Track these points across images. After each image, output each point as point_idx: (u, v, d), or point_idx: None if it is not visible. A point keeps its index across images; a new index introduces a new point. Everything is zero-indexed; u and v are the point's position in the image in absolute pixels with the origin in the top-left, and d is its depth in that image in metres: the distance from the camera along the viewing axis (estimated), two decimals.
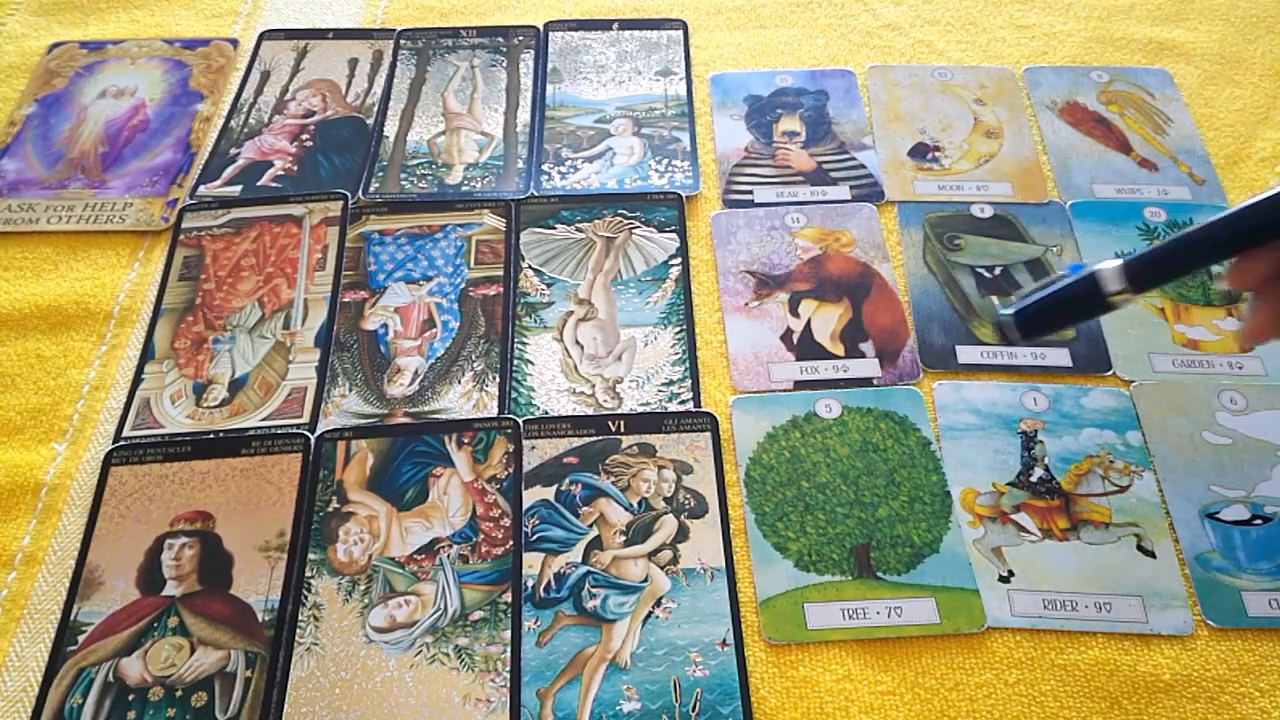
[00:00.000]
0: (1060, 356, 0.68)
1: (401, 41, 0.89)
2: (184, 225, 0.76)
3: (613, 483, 0.62)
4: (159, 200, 0.77)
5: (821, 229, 0.76)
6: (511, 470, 0.63)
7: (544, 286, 0.72)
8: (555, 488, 0.62)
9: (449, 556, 0.59)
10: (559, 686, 0.55)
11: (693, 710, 0.54)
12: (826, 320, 0.71)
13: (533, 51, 0.89)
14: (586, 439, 0.64)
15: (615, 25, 0.91)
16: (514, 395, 0.66)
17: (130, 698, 0.54)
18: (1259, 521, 0.60)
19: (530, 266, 0.73)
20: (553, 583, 0.58)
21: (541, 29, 0.90)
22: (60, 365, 0.69)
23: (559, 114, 0.84)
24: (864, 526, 0.61)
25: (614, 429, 0.64)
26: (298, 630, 0.56)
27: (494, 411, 0.66)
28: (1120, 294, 0.50)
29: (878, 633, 0.57)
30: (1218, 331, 0.69)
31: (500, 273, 0.73)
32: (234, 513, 0.61)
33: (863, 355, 0.69)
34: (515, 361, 0.68)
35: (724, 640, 0.56)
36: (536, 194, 0.77)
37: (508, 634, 0.56)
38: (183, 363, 0.68)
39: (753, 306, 0.71)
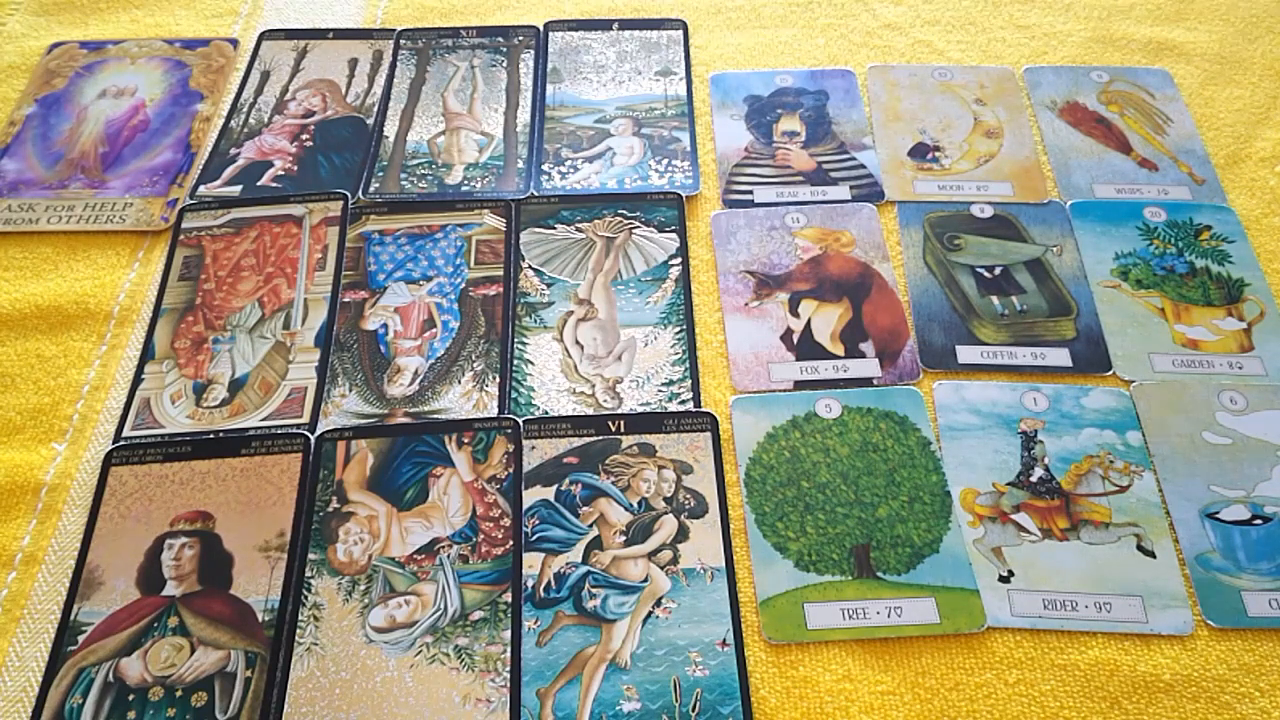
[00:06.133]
0: (1060, 356, 0.68)
1: (401, 41, 0.89)
2: (184, 225, 0.76)
3: (613, 483, 0.62)
4: (159, 200, 0.77)
5: (821, 229, 0.76)
6: (511, 470, 0.63)
7: (544, 286, 0.72)
8: (555, 488, 0.62)
9: (449, 556, 0.59)
10: (559, 686, 0.55)
11: (693, 710, 0.54)
12: (826, 320, 0.71)
13: (533, 51, 0.89)
14: (586, 439, 0.64)
15: (615, 25, 0.91)
16: (514, 395, 0.66)
17: (130, 698, 0.54)
18: (1259, 521, 0.60)
19: (530, 266, 0.73)
20: (553, 583, 0.58)
21: (541, 29, 0.90)
22: (60, 365, 0.69)
23: (559, 114, 0.84)
24: (864, 526, 0.61)
25: (614, 429, 0.64)
26: (298, 630, 0.56)
27: (494, 411, 0.66)
28: None
29: (878, 633, 0.57)
30: (1218, 331, 0.69)
31: (500, 273, 0.73)
32: (234, 513, 0.61)
33: (863, 355, 0.69)
34: (515, 361, 0.68)
35: (724, 640, 0.56)
36: (536, 194, 0.77)
37: (508, 634, 0.56)
38: (183, 363, 0.68)
39: (753, 306, 0.71)
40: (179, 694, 0.54)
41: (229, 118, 0.83)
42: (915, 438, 0.64)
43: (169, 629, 0.56)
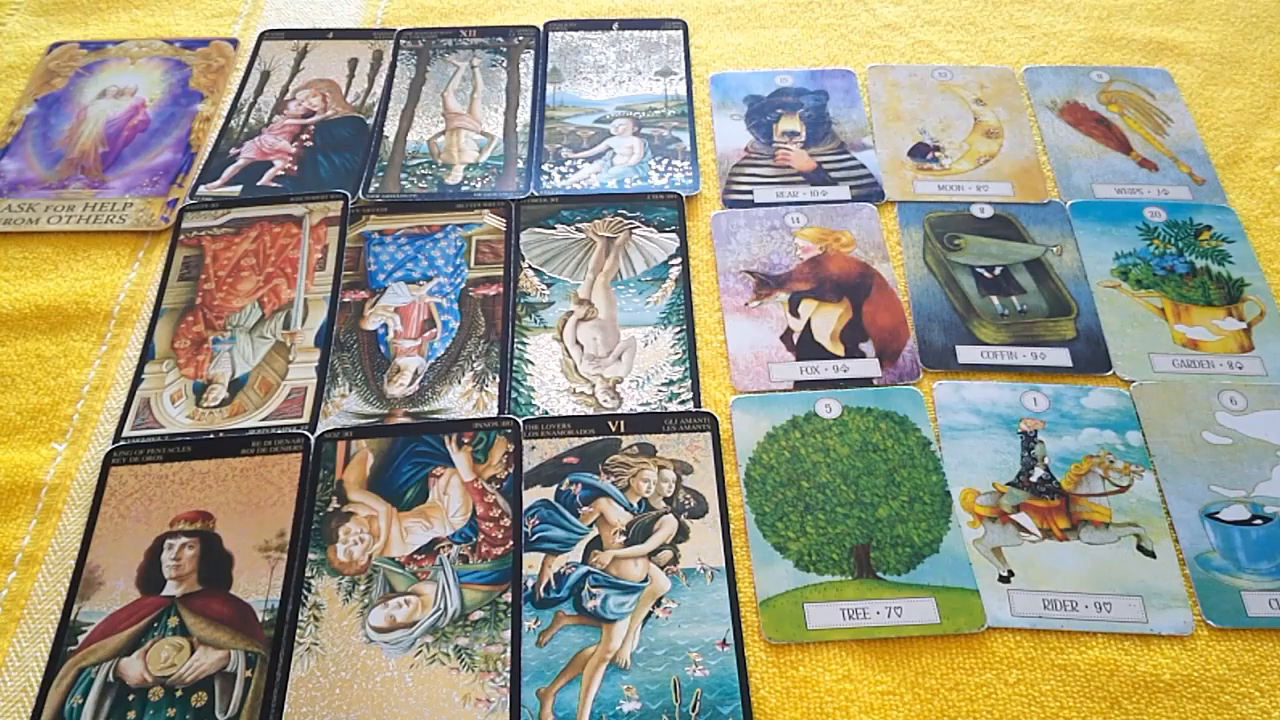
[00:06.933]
0: (1060, 356, 0.68)
1: (401, 41, 0.89)
2: (184, 225, 0.76)
3: (613, 483, 0.62)
4: (159, 200, 0.77)
5: (821, 229, 0.76)
6: (511, 470, 0.63)
7: (544, 286, 0.72)
8: (555, 488, 0.62)
9: (449, 556, 0.59)
10: (559, 686, 0.55)
11: (693, 710, 0.54)
12: (826, 320, 0.71)
13: (533, 51, 0.89)
14: (586, 439, 0.64)
15: (615, 25, 0.91)
16: (514, 395, 0.66)
17: (130, 698, 0.54)
18: (1259, 521, 0.60)
19: (530, 266, 0.73)
20: (553, 583, 0.58)
21: (541, 29, 0.90)
22: (60, 365, 0.69)
23: (559, 114, 0.84)
24: (864, 526, 0.61)
25: (614, 429, 0.64)
26: (298, 630, 0.56)
27: (494, 411, 0.66)
28: None
29: (878, 633, 0.57)
30: (1218, 331, 0.69)
31: (500, 273, 0.73)
32: (234, 513, 0.61)
33: (863, 355, 0.69)
34: (515, 361, 0.68)
35: (724, 640, 0.56)
36: (536, 194, 0.77)
37: (508, 634, 0.56)
38: (183, 363, 0.68)
39: (753, 306, 0.71)
40: (179, 694, 0.54)
41: (229, 118, 0.83)
42: (915, 438, 0.64)
43: (169, 629, 0.56)
